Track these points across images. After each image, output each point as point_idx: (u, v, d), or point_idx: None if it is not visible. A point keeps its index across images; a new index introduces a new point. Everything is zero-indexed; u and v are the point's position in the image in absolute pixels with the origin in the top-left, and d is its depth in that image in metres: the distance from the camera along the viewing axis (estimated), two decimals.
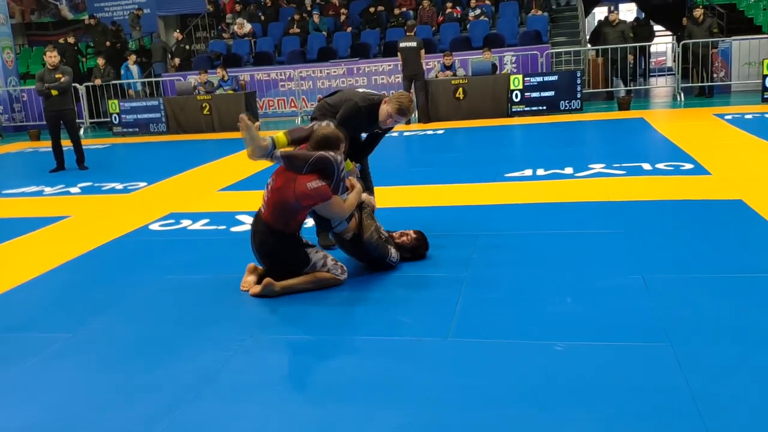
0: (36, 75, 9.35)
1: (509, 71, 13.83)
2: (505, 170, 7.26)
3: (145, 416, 2.74)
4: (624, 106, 11.66)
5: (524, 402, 2.68)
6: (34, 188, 8.23)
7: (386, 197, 5.88)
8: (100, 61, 14.98)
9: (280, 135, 4.24)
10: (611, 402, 2.64)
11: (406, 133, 11.14)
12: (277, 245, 4.02)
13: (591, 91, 13.66)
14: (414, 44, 11.89)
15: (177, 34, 16.66)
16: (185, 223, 5.98)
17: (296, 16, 17.15)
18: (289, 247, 4.04)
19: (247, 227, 5.58)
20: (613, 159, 7.39)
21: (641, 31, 15.47)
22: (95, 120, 15.31)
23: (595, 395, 2.69)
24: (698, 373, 2.80)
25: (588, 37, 15.79)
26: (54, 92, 9.07)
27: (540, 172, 7.10)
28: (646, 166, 6.94)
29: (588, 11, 21.11)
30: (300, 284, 4.04)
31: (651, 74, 18.01)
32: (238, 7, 18.55)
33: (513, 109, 12.13)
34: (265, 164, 8.81)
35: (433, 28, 16.23)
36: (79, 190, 7.93)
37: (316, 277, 4.07)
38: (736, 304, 3.47)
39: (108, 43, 17.59)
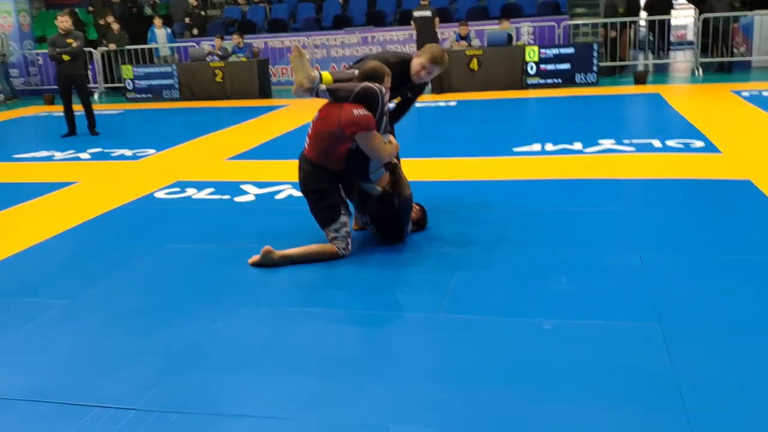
0: (48, 40, 9.36)
1: (526, 42, 13.64)
2: (515, 144, 7.21)
3: (135, 384, 2.78)
4: (640, 80, 11.49)
5: (503, 378, 2.70)
6: (44, 153, 8.29)
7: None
8: (115, 25, 14.94)
9: (325, 73, 4.26)
10: (592, 381, 2.64)
11: (418, 105, 11.02)
12: (318, 181, 4.07)
13: (609, 64, 13.44)
14: (428, 13, 11.76)
15: (192, 1, 16.53)
16: (190, 191, 6.01)
17: None
18: (330, 186, 4.08)
19: (251, 198, 5.65)
20: (624, 135, 7.31)
21: (660, 3, 15.14)
22: (110, 85, 15.33)
23: (576, 374, 2.70)
24: (684, 355, 2.80)
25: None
26: (65, 57, 9.09)
27: (549, 147, 7.04)
28: (656, 143, 6.86)
29: None
30: (299, 254, 4.07)
31: (671, 48, 17.69)
32: None
33: (528, 82, 11.99)
34: (275, 133, 8.85)
35: None
36: (88, 156, 7.98)
37: (316, 249, 4.10)
38: (731, 286, 3.45)
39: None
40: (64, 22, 9.21)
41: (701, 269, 3.70)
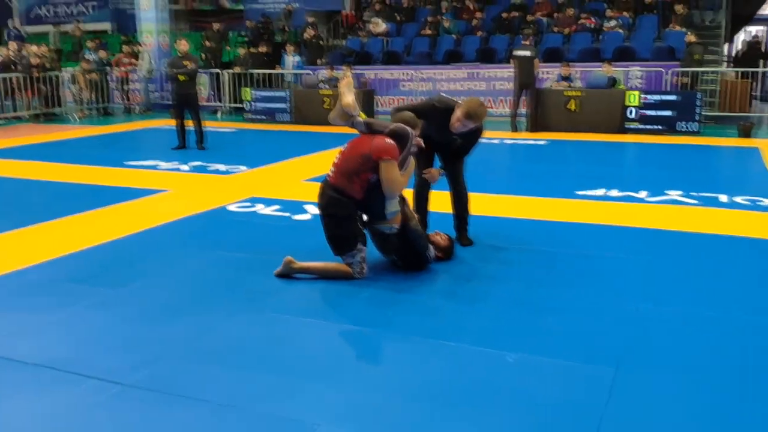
0: (167, 61, 10.38)
1: (634, 86, 13.47)
2: (580, 187, 7.28)
3: (131, 364, 3.26)
4: (745, 132, 11.08)
5: (434, 399, 2.94)
6: (152, 162, 9.21)
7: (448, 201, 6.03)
8: (242, 50, 16.13)
9: (361, 113, 4.66)
10: (516, 413, 2.84)
11: (507, 141, 11.25)
12: (338, 207, 4.41)
13: (721, 114, 12.97)
14: (529, 53, 11.94)
15: (309, 31, 17.48)
16: (259, 207, 6.57)
17: (430, 18, 17.55)
18: (347, 213, 4.41)
19: (308, 216, 6.11)
20: (694, 187, 7.19)
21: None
22: (235, 105, 16.48)
23: (504, 403, 2.91)
24: (622, 401, 2.92)
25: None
26: (181, 77, 10.05)
27: (613, 193, 7.06)
28: (723, 198, 6.73)
29: (737, 29, 19.88)
30: (316, 269, 4.49)
31: None
32: (378, 6, 19.19)
33: (627, 126, 11.85)
34: None
35: (565, 35, 16.03)
36: (188, 168, 8.79)
37: (333, 267, 4.48)
38: (722, 344, 3.48)
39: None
40: (182, 45, 10.21)
41: (702, 324, 3.72)
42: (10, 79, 14.30)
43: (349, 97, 4.59)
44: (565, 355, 3.36)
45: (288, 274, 4.49)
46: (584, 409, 2.85)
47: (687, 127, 11.51)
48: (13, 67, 14.50)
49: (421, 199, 5.39)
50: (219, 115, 15.85)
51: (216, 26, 17.58)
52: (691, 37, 13.14)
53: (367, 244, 4.51)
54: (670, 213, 6.22)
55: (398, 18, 18.62)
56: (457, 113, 4.82)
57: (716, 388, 3.02)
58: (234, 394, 2.98)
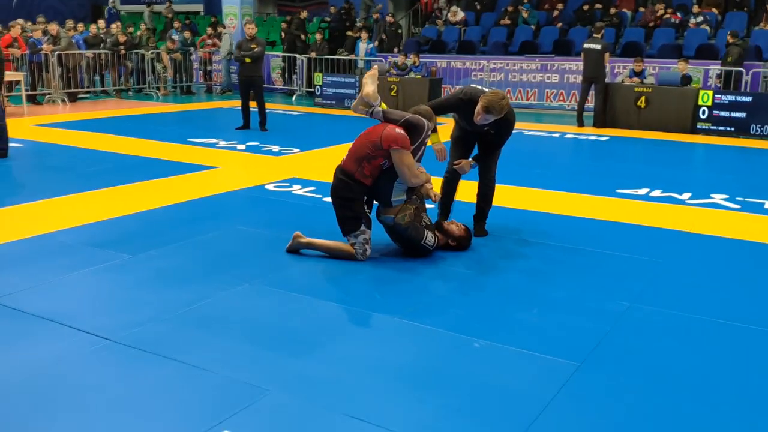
0: (235, 43, 10.74)
1: (714, 86, 12.95)
2: (621, 186, 7.15)
3: (124, 323, 3.53)
4: None
5: (389, 376, 3.06)
6: (213, 140, 9.61)
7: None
8: (318, 36, 16.45)
9: (383, 104, 4.79)
10: (462, 395, 2.92)
11: (567, 135, 11.07)
12: (346, 190, 4.59)
13: None
14: (598, 46, 11.67)
15: (389, 18, 17.62)
16: (295, 187, 6.80)
17: (509, 8, 17.36)
18: (354, 196, 4.58)
19: None
20: (741, 192, 6.93)
21: None
22: (309, 89, 16.86)
23: (455, 385, 3.00)
24: (574, 394, 2.95)
25: None
26: (247, 60, 10.40)
27: (656, 193, 6.90)
28: None
29: None
30: (322, 246, 4.68)
31: None
32: None
33: (697, 126, 11.43)
34: None
35: (647, 30, 15.54)
36: (243, 148, 9.14)
37: (338, 246, 4.66)
38: (698, 350, 3.44)
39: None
40: (250, 28, 10.56)
41: (689, 330, 3.66)
42: (99, 55, 15.13)
43: (370, 87, 4.73)
44: (533, 346, 3.39)
45: (296, 248, 4.69)
46: (531, 398, 2.90)
47: (761, 130, 10.99)
48: (102, 44, 15.31)
49: (449, 187, 5.45)
50: (293, 98, 16.25)
51: (303, 14, 17.90)
52: None
53: (372, 227, 4.64)
54: (706, 216, 6.04)
55: (478, 7, 18.50)
56: (478, 106, 4.85)
57: (669, 395, 2.99)
58: (206, 358, 3.19)
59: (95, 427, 2.63)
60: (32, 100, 13.70)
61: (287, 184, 6.95)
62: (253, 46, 10.43)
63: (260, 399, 2.83)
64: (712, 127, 11.32)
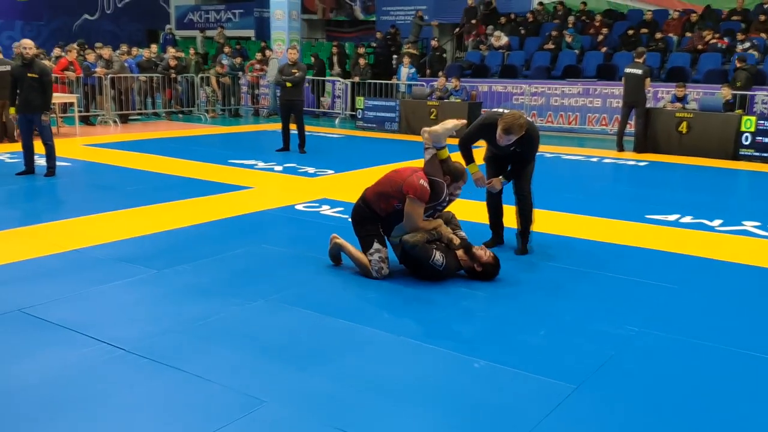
0: (278, 67, 11.04)
1: (761, 112, 12.71)
2: (652, 211, 7.09)
3: (140, 334, 3.70)
4: None
5: (387, 393, 3.14)
6: (252, 161, 9.88)
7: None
8: (362, 61, 16.74)
9: (445, 150, 5.00)
10: (455, 413, 2.98)
11: (606, 160, 11.00)
12: (362, 215, 4.88)
13: None
14: (639, 72, 11.59)
15: (434, 42, 17.82)
16: (324, 208, 6.95)
17: (554, 33, 17.36)
18: (371, 223, 4.84)
19: None
20: None
21: None
22: (352, 113, 17.13)
23: (450, 404, 3.06)
24: (562, 416, 2.98)
25: None
26: (288, 84, 10.68)
27: (686, 219, 6.83)
28: None
29: None
30: (350, 252, 4.91)
31: None
32: (503, 20, 19.21)
33: (740, 153, 11.22)
34: None
35: (693, 55, 15.35)
36: (281, 169, 9.37)
37: (360, 258, 4.84)
38: (702, 379, 3.43)
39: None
40: (293, 54, 10.84)
41: (693, 355, 3.66)
42: (151, 78, 15.69)
43: (442, 128, 4.96)
44: (533, 368, 3.43)
45: (336, 252, 5.00)
46: (522, 418, 2.95)
47: None
48: (154, 68, 15.88)
49: (493, 206, 5.69)
50: (337, 121, 16.53)
51: (358, 51, 18.11)
52: None
53: (388, 247, 4.76)
54: (732, 243, 5.95)
55: (522, 32, 18.56)
56: (498, 129, 4.98)
57: (662, 421, 2.99)
58: (210, 368, 3.33)
59: (92, 430, 2.78)
60: (86, 121, 14.28)
61: (317, 204, 7.11)
62: (294, 71, 10.70)
63: (256, 410, 2.95)
64: (756, 154, 11.11)
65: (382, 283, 4.68)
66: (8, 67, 9.42)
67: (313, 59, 18.34)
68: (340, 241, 5.00)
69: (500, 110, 5.29)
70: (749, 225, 6.61)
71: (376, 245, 4.74)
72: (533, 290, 4.65)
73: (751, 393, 3.24)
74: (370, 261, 4.75)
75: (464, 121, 5.36)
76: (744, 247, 5.85)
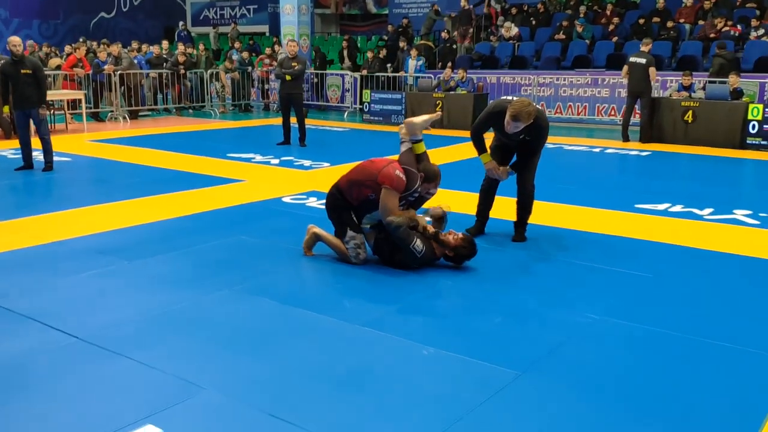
0: (277, 61, 11.07)
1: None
2: (642, 200, 7.01)
3: (100, 324, 3.75)
4: None
5: (328, 379, 3.16)
6: (250, 155, 9.93)
7: (503, 208, 6.01)
8: (369, 54, 16.73)
9: (422, 144, 5.07)
10: (392, 398, 2.99)
11: (608, 150, 10.88)
12: (335, 203, 4.93)
13: None
14: (643, 61, 11.44)
15: (444, 35, 17.75)
16: (311, 200, 6.98)
17: (564, 23, 17.19)
18: (343, 211, 4.88)
19: None
20: (766, 208, 6.68)
21: None
22: (360, 106, 17.14)
23: (390, 389, 3.07)
24: (500, 402, 2.97)
25: None
26: (288, 77, 10.72)
27: (676, 208, 6.74)
28: None
29: None
30: (328, 240, 4.95)
31: None
32: (513, 11, 19.07)
33: (747, 142, 11.03)
34: (440, 161, 9.54)
35: (705, 44, 15.10)
36: (277, 162, 9.41)
37: (338, 246, 4.89)
38: (649, 366, 3.40)
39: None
40: (292, 47, 10.87)
41: (646, 343, 3.62)
42: (160, 74, 15.84)
43: (419, 119, 5.07)
44: (481, 355, 3.42)
45: (311, 242, 5.03)
46: (459, 403, 2.94)
47: None
48: (164, 64, 16.03)
49: (486, 196, 5.66)
50: (345, 115, 16.55)
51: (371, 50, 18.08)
52: None
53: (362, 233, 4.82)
54: (720, 233, 5.86)
55: (533, 22, 18.40)
56: (506, 116, 4.97)
57: (597, 406, 2.97)
58: (158, 355, 3.37)
59: (30, 414, 2.83)
60: (96, 117, 14.47)
61: (304, 196, 7.14)
62: (294, 64, 10.74)
63: (194, 396, 2.98)
64: (763, 142, 10.91)
65: (351, 272, 4.69)
66: None
67: (314, 52, 18.35)
68: (317, 230, 5.04)
69: (509, 98, 5.29)
70: (740, 214, 6.50)
71: (350, 233, 4.79)
72: (497, 279, 4.63)
73: (696, 379, 3.20)
74: (348, 248, 4.78)
75: (440, 113, 5.40)
76: (730, 236, 5.76)
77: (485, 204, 5.69)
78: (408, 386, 3.11)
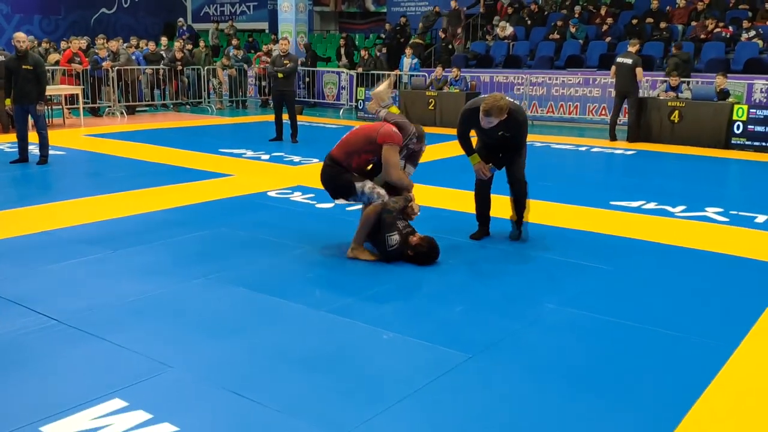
0: (270, 58, 11.26)
1: (759, 101, 12.64)
2: (617, 198, 7.19)
3: (78, 307, 3.95)
4: None
5: (292, 361, 3.35)
6: (241, 150, 10.13)
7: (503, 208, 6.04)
8: (363, 52, 16.92)
9: (394, 107, 5.40)
10: (345, 378, 3.19)
11: (594, 149, 11.06)
12: (332, 171, 5.07)
13: None
14: (629, 61, 11.61)
15: (441, 33, 17.93)
16: (296, 194, 7.18)
17: (559, 22, 17.35)
18: (338, 174, 5.03)
19: (330, 206, 6.61)
20: (737, 206, 6.86)
21: None
22: (355, 103, 17.32)
23: (344, 370, 3.27)
24: (447, 382, 3.17)
25: None
26: (280, 75, 10.91)
27: (649, 206, 6.93)
28: (761, 219, 6.39)
29: None
30: (362, 226, 5.01)
31: None
32: (510, 10, 19.23)
33: (732, 142, 11.20)
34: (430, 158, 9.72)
35: (696, 44, 15.26)
36: (267, 158, 9.61)
37: (366, 215, 4.96)
38: (596, 352, 3.59)
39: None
40: (284, 44, 11.06)
41: (597, 330, 3.82)
42: (157, 71, 16.04)
43: (382, 86, 5.46)
44: (437, 339, 3.61)
45: (356, 251, 5.04)
46: (408, 383, 3.14)
47: None
48: (162, 60, 16.22)
49: (481, 197, 5.69)
50: (341, 112, 16.74)
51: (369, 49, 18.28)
52: None
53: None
54: (689, 229, 6.05)
55: (528, 22, 18.56)
56: (480, 113, 5.10)
57: (542, 389, 3.17)
58: (131, 338, 3.57)
59: (5, 391, 3.03)
60: (94, 112, 14.67)
61: (290, 191, 7.33)
62: (285, 62, 10.93)
63: (161, 374, 3.18)
64: (747, 143, 11.08)
65: (326, 264, 4.88)
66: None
67: (305, 50, 18.53)
68: (352, 245, 5.03)
69: (483, 96, 5.43)
70: (711, 211, 6.68)
71: (357, 186, 4.93)
72: (466, 271, 4.82)
73: (637, 362, 3.39)
74: (371, 200, 4.90)
75: (394, 73, 5.74)
76: (697, 232, 5.94)
77: (482, 205, 5.70)
78: (364, 367, 3.30)
